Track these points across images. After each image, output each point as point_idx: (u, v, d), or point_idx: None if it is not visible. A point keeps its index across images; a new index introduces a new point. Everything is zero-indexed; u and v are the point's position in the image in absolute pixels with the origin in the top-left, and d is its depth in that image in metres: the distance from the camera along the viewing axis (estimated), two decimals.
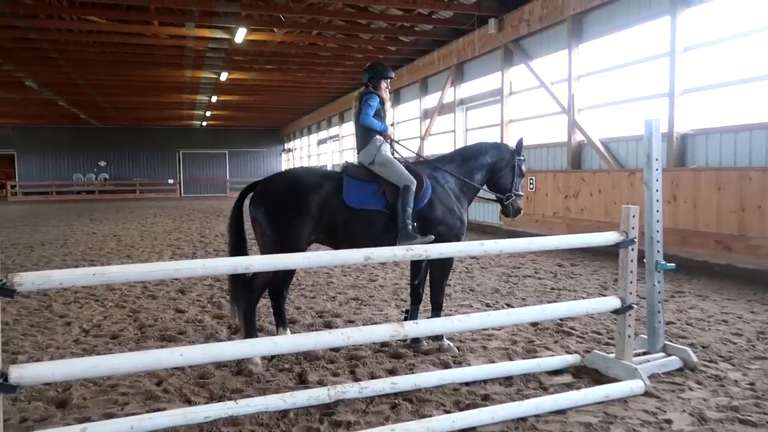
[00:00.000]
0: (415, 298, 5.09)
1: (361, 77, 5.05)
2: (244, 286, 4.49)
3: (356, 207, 4.53)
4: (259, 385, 4.04)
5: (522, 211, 5.24)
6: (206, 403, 3.68)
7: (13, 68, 18.55)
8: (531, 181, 12.22)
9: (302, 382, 4.10)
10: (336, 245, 4.72)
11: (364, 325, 5.46)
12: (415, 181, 4.60)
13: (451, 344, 4.71)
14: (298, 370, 4.31)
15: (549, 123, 12.28)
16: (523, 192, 5.24)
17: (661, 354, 4.31)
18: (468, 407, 3.57)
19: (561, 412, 3.50)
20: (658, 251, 4.30)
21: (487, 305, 6.41)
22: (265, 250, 4.55)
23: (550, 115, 12.06)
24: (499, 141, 5.76)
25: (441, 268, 4.84)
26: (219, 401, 3.66)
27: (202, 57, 17.98)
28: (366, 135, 4.84)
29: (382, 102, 4.88)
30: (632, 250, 3.95)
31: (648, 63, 9.67)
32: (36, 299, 6.87)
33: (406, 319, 5.12)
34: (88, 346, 5.04)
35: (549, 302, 6.30)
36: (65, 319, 5.96)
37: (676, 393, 3.80)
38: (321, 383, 4.01)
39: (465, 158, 5.06)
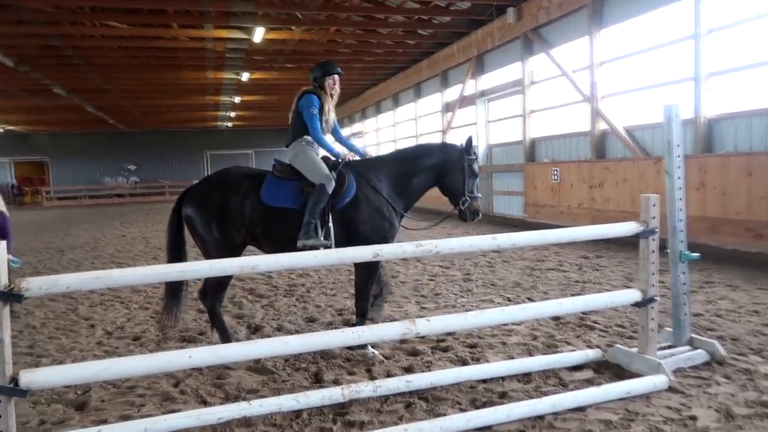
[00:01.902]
0: (373, 292, 5.02)
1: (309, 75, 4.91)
2: (175, 293, 4.64)
3: (273, 206, 4.46)
4: (274, 385, 4.03)
5: (480, 214, 4.90)
6: (222, 403, 3.69)
7: (40, 76, 18.96)
8: (555, 172, 12.01)
9: (318, 382, 4.07)
10: (260, 246, 4.69)
11: (383, 322, 5.41)
12: (332, 182, 4.46)
13: (376, 352, 4.44)
14: (314, 369, 4.29)
15: (571, 112, 12.04)
16: (479, 193, 4.88)
17: (687, 347, 4.16)
18: (484, 405, 3.49)
19: (580, 409, 3.40)
20: (682, 241, 4.14)
21: (508, 300, 6.30)
22: (202, 252, 4.64)
23: (572, 104, 11.82)
24: (445, 142, 5.43)
25: (364, 273, 4.62)
26: (234, 402, 3.66)
27: (222, 58, 18.12)
28: (295, 132, 4.72)
29: (321, 101, 4.67)
30: (653, 240, 3.81)
31: (672, 47, 9.39)
32: (63, 302, 7.01)
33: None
34: (110, 348, 5.11)
35: (572, 295, 6.16)
36: (90, 322, 6.06)
37: (702, 388, 3.66)
38: (336, 382, 3.98)
39: (403, 159, 4.82)
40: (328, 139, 4.88)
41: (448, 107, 17.80)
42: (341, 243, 4.51)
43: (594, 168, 10.82)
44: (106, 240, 14.18)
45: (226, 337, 4.70)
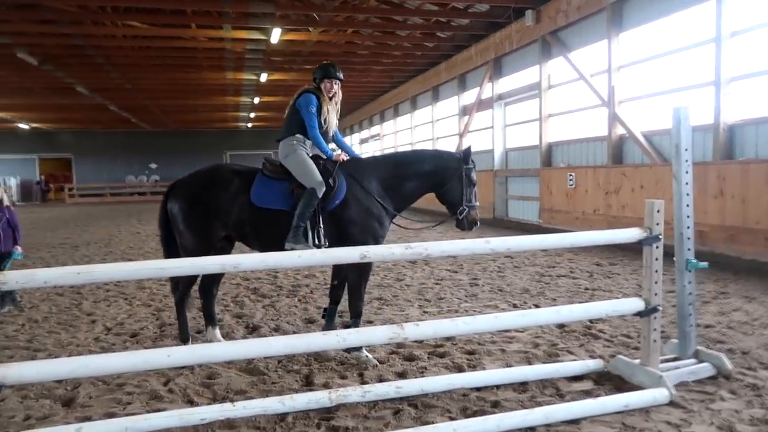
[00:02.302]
0: (333, 298, 4.87)
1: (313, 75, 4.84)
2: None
3: (262, 206, 4.40)
4: (263, 386, 3.95)
5: (478, 224, 4.76)
6: (209, 404, 3.62)
7: (64, 75, 19.27)
8: (570, 177, 11.79)
9: (308, 384, 3.99)
10: (248, 244, 4.67)
11: (382, 324, 5.31)
12: (323, 187, 4.39)
13: (370, 356, 4.37)
14: (306, 371, 4.21)
15: (589, 116, 11.82)
16: (477, 202, 4.76)
17: (693, 360, 3.99)
18: (475, 414, 3.38)
19: (574, 421, 3.26)
20: (689, 249, 3.97)
21: (514, 306, 6.15)
22: (180, 245, 4.58)
23: (590, 108, 11.60)
24: (441, 150, 5.27)
25: (357, 273, 4.53)
26: (221, 402, 3.59)
27: (241, 59, 18.21)
28: (288, 129, 4.64)
29: (319, 101, 4.59)
30: (657, 247, 3.66)
31: (692, 50, 9.13)
32: (69, 297, 7.05)
33: (323, 317, 4.90)
34: (107, 344, 5.09)
35: (579, 303, 5.99)
36: (92, 317, 6.07)
37: (705, 403, 3.49)
38: (326, 386, 3.89)
39: (397, 163, 4.72)
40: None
41: (465, 110, 17.64)
42: (332, 243, 4.44)
43: (610, 174, 10.59)
44: (120, 237, 14.31)
45: (184, 334, 4.70)
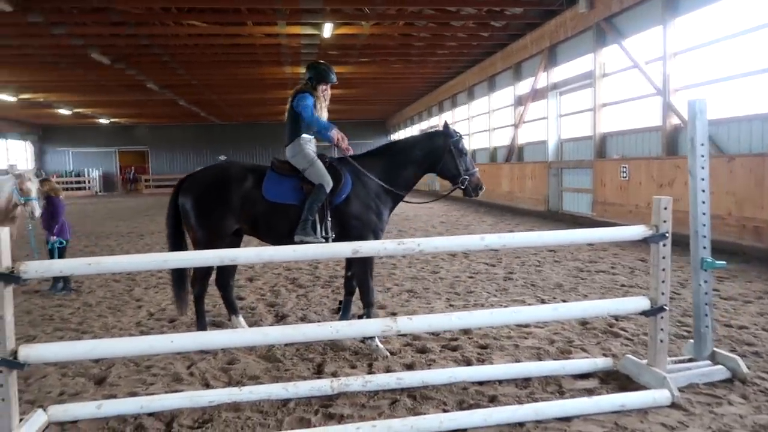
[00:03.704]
0: (348, 289, 5.09)
1: (305, 74, 4.98)
2: (180, 282, 4.80)
3: (273, 201, 4.60)
4: (276, 373, 4.16)
5: (483, 187, 4.90)
6: (222, 387, 3.87)
7: (135, 72, 20.40)
8: (624, 169, 11.40)
9: (318, 373, 4.16)
10: (259, 237, 4.87)
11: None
12: (330, 183, 4.57)
13: (381, 345, 4.49)
14: (320, 360, 4.38)
15: (642, 106, 11.36)
16: (476, 167, 4.91)
17: (707, 362, 3.87)
18: (470, 408, 3.44)
19: (566, 419, 3.26)
20: (705, 247, 3.85)
21: (542, 301, 6.09)
22: (192, 239, 4.79)
23: (644, 97, 11.15)
24: (431, 131, 5.36)
25: (361, 266, 4.69)
26: (230, 387, 3.82)
27: (297, 53, 18.64)
28: (292, 132, 4.80)
29: (314, 99, 4.74)
30: (664, 245, 3.57)
31: (754, 33, 8.60)
32: (124, 283, 7.58)
33: (339, 309, 5.12)
34: (146, 328, 5.48)
35: (598, 299, 5.86)
36: (139, 303, 6.51)
37: (710, 407, 3.40)
38: (335, 375, 4.05)
39: (391, 154, 4.89)
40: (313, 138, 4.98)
41: (520, 100, 17.33)
42: (337, 236, 4.62)
43: (664, 165, 10.17)
44: None
45: (202, 324, 4.94)
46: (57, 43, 16.17)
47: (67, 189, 37.46)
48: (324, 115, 4.92)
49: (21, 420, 3.09)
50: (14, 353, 2.94)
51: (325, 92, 4.88)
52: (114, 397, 3.77)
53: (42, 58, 18.18)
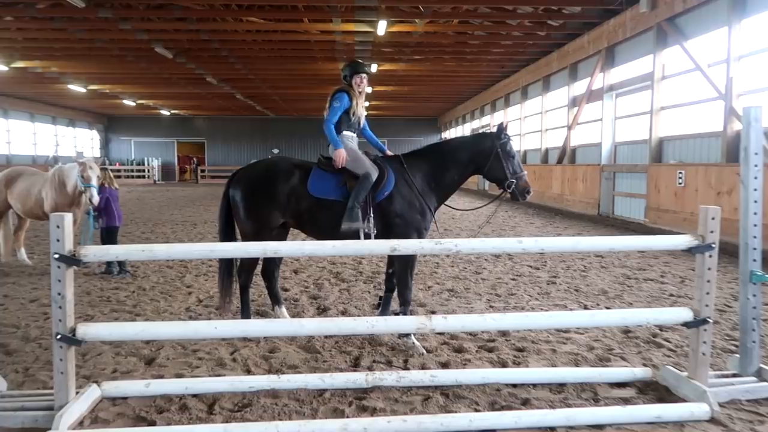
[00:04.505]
0: (388, 286, 5.18)
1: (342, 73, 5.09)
2: (228, 271, 4.98)
3: (319, 196, 4.72)
4: (315, 363, 4.29)
5: (531, 191, 4.88)
6: (264, 374, 4.02)
7: (195, 66, 21.08)
8: (680, 175, 11.03)
9: (355, 366, 4.27)
10: (304, 230, 5.02)
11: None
12: (376, 173, 4.68)
13: (417, 343, 4.57)
14: (357, 353, 4.49)
15: (703, 110, 10.95)
16: (524, 170, 4.90)
17: (753, 378, 3.75)
18: (501, 409, 3.47)
19: (598, 427, 3.25)
20: (755, 260, 3.73)
21: (585, 307, 6.01)
22: (240, 230, 4.96)
23: (705, 101, 10.75)
24: (479, 133, 5.32)
25: (402, 264, 4.75)
26: (273, 374, 3.97)
27: (351, 50, 18.83)
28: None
29: (351, 99, 4.87)
30: (710, 256, 3.49)
31: None
32: (176, 270, 7.91)
33: (379, 305, 5.21)
34: (194, 314, 5.73)
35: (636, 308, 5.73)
36: (189, 289, 6.80)
37: (752, 424, 3.31)
38: (370, 368, 4.15)
39: (437, 155, 4.92)
40: (352, 134, 5.11)
41: (575, 102, 16.97)
42: (380, 233, 4.70)
43: (723, 173, 9.79)
44: None
45: (246, 313, 5.08)
46: (124, 38, 16.92)
47: (129, 177, 39.22)
48: (360, 113, 5.02)
49: (77, 393, 3.32)
50: (73, 330, 3.16)
51: (360, 85, 4.97)
52: (162, 377, 3.98)
53: (110, 51, 19.02)
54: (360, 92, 5.00)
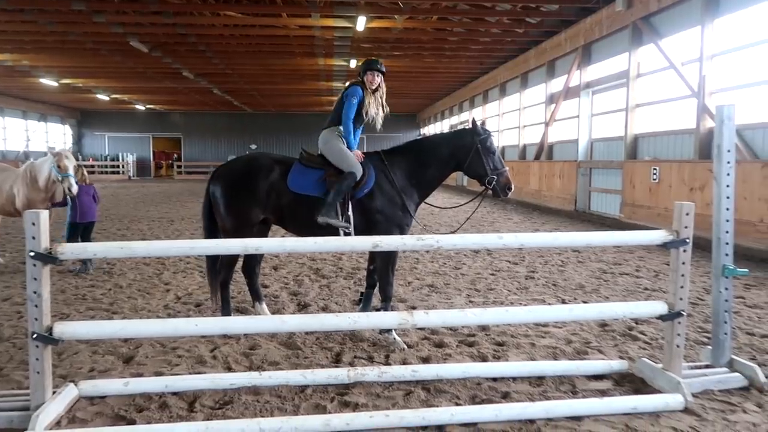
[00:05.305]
0: (369, 282, 5.21)
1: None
2: (214, 268, 4.97)
3: (298, 192, 4.72)
4: (295, 360, 4.28)
5: (512, 187, 4.89)
6: (245, 371, 4.00)
7: (171, 61, 20.80)
8: (654, 171, 11.24)
9: (336, 362, 4.27)
10: (285, 226, 5.02)
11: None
12: (361, 172, 4.70)
13: (398, 338, 4.59)
14: (338, 349, 4.49)
15: (677, 108, 11.16)
16: (505, 167, 4.90)
17: (724, 369, 3.85)
18: (482, 402, 3.51)
19: (576, 418, 3.30)
20: (727, 254, 3.82)
21: (562, 301, 6.10)
22: (221, 227, 4.93)
23: (679, 99, 10.96)
24: (458, 129, 5.31)
25: (383, 260, 4.78)
26: (254, 371, 3.95)
27: (330, 46, 18.77)
28: (333, 118, 4.97)
29: (364, 93, 4.88)
30: (684, 251, 3.56)
31: None
32: (153, 267, 7.81)
33: (359, 301, 5.24)
34: (173, 311, 5.67)
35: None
36: (167, 287, 6.72)
37: (723, 413, 3.40)
38: (351, 364, 4.16)
39: (418, 151, 4.94)
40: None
41: (552, 98, 17.15)
42: (361, 230, 4.71)
43: (696, 169, 10.00)
44: None
45: (226, 310, 5.06)
46: (98, 31, 16.61)
47: (103, 173, 38.55)
48: (379, 112, 5.02)
49: (54, 393, 3.27)
50: (49, 329, 3.11)
51: (372, 82, 4.93)
52: (140, 375, 3.94)
53: (83, 44, 18.65)
54: (373, 90, 4.95)
